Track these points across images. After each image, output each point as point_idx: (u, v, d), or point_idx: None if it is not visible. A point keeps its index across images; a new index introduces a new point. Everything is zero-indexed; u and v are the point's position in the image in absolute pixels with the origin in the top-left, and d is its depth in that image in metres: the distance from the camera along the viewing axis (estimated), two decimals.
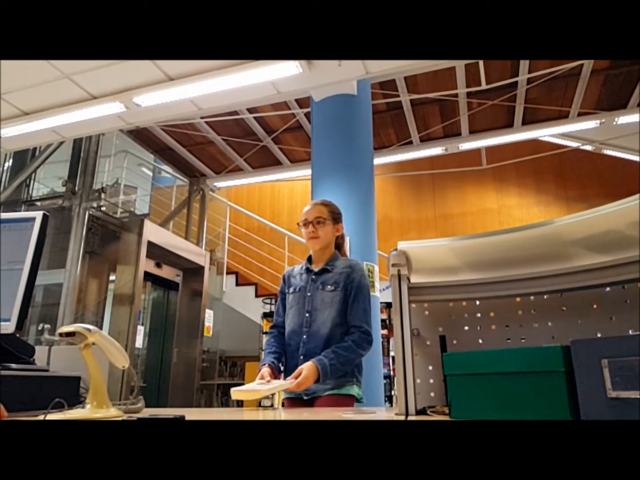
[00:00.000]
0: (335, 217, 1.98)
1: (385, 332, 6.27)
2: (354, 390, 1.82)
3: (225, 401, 6.48)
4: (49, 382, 1.27)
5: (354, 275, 1.87)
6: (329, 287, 1.87)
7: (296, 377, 1.61)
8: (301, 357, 1.81)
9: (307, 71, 3.11)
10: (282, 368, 1.89)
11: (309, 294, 1.91)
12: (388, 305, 6.26)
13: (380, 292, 3.93)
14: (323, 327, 1.82)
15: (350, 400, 1.80)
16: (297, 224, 2.00)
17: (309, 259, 2.01)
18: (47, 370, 1.33)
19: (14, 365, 1.23)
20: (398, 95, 4.98)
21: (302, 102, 5.14)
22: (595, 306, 1.02)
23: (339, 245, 2.04)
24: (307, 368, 1.64)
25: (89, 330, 1.17)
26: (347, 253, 2.13)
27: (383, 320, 6.14)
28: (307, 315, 1.87)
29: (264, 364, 1.82)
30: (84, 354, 1.15)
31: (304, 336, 1.85)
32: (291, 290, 1.99)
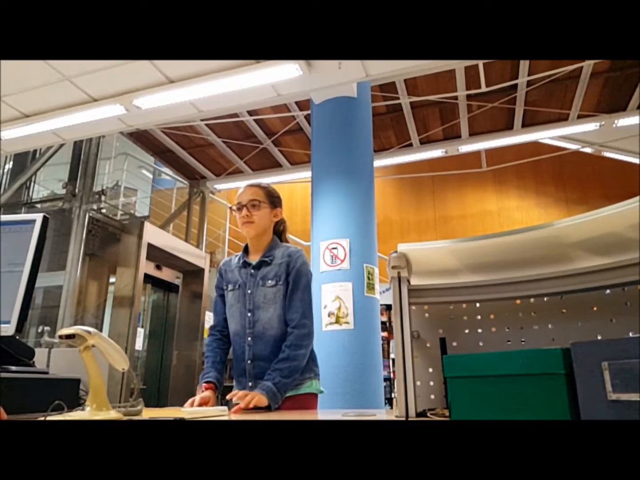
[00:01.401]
0: (273, 200, 1.80)
1: (385, 334, 6.27)
2: (313, 386, 1.71)
3: (225, 403, 6.46)
4: (49, 384, 1.27)
5: (292, 265, 1.71)
6: (269, 282, 1.70)
7: (243, 407, 1.43)
8: (248, 362, 1.68)
9: (307, 73, 3.11)
10: (223, 382, 1.75)
11: (249, 291, 1.72)
12: (388, 308, 6.26)
13: (380, 294, 3.93)
14: (269, 327, 1.67)
15: (312, 398, 1.70)
16: (230, 208, 1.81)
17: (245, 250, 1.82)
18: (46, 373, 1.33)
19: (13, 368, 1.22)
20: (398, 98, 4.99)
21: (302, 105, 5.15)
22: (595, 308, 1.02)
23: (279, 232, 1.86)
24: (255, 395, 1.48)
25: (89, 332, 1.17)
26: (289, 240, 1.94)
27: (383, 323, 6.14)
28: (249, 315, 1.70)
29: (207, 380, 1.67)
30: (83, 357, 1.15)
31: (249, 338, 1.69)
32: (230, 287, 1.79)
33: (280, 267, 1.71)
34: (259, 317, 1.69)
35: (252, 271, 1.75)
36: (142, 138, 5.91)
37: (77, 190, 4.93)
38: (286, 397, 1.62)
